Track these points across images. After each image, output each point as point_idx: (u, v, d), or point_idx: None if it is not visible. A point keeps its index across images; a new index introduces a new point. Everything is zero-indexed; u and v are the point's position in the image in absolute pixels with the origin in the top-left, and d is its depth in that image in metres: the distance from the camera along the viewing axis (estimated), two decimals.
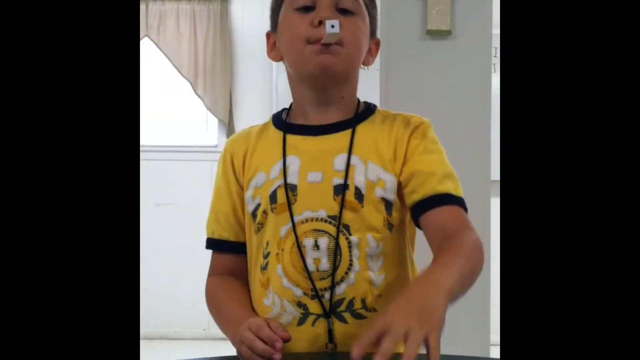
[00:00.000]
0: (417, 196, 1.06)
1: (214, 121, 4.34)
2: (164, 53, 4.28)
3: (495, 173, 2.00)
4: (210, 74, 4.26)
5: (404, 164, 1.08)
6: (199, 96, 4.28)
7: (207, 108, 4.29)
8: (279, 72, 4.03)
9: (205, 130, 4.39)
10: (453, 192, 1.06)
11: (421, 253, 1.13)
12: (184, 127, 4.39)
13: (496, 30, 1.61)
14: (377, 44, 1.18)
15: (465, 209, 1.07)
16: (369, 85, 1.49)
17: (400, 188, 1.08)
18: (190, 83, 4.28)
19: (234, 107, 4.31)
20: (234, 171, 1.15)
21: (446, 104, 1.98)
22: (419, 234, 1.11)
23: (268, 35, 1.18)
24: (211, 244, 1.17)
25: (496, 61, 2.81)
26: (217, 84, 4.26)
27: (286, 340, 0.98)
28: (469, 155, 1.97)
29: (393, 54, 1.98)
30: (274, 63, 4.08)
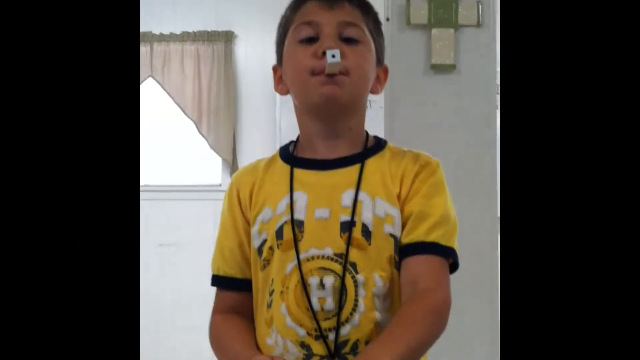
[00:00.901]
0: (405, 240, 1.04)
1: (217, 161, 4.33)
2: (168, 93, 4.29)
3: None
4: (214, 113, 4.26)
5: (405, 202, 1.06)
6: (203, 136, 4.27)
7: (211, 147, 4.28)
8: (283, 112, 4.03)
9: (209, 169, 4.38)
10: (442, 241, 1.04)
11: None
12: (188, 166, 4.38)
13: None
14: (386, 71, 1.16)
15: (453, 259, 1.05)
16: (373, 122, 1.47)
17: None
18: (195, 123, 4.27)
19: (238, 147, 4.30)
20: (240, 206, 1.12)
21: (451, 139, 1.97)
22: None
23: (274, 69, 1.16)
24: (216, 281, 1.14)
25: None
26: (221, 124, 4.26)
27: None
28: (475, 192, 1.95)
29: (397, 88, 1.97)
30: (278, 102, 4.18)
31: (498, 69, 1.99)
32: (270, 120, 4.21)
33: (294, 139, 1.16)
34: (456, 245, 1.06)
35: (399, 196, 1.06)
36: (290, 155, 1.13)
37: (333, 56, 1.01)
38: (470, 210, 1.82)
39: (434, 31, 1.96)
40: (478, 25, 1.98)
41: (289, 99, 1.15)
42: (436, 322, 0.99)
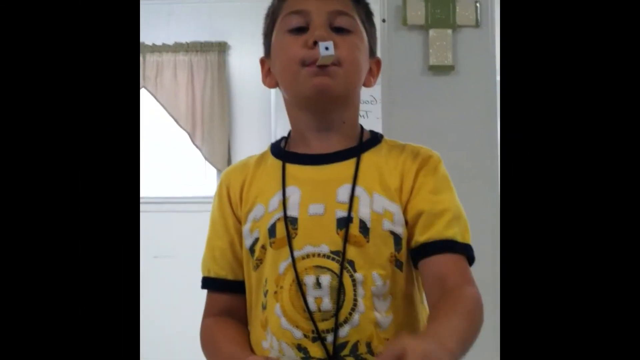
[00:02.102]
0: (421, 238, 0.98)
1: (212, 171, 4.29)
2: (161, 104, 4.26)
3: None
4: (208, 124, 4.23)
5: (409, 200, 1.00)
6: (197, 146, 4.24)
7: (205, 158, 4.24)
8: (278, 122, 4.01)
9: (203, 180, 4.33)
10: (459, 238, 0.99)
11: None
12: (182, 178, 4.34)
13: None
14: (378, 63, 1.12)
15: (471, 257, 1.00)
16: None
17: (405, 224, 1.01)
18: (188, 133, 4.24)
19: (233, 157, 4.26)
20: (231, 204, 1.07)
21: (450, 141, 1.93)
22: None
23: (262, 61, 1.12)
24: (207, 283, 1.09)
25: None
26: (215, 134, 4.23)
27: None
28: (477, 194, 1.91)
29: (395, 90, 1.94)
30: (272, 112, 4.15)
31: (497, 69, 1.98)
32: (265, 131, 4.18)
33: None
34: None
35: (399, 192, 1.01)
36: (281, 150, 1.09)
37: (327, 49, 0.97)
38: (470, 213, 1.78)
39: (432, 32, 1.93)
40: (476, 25, 1.95)
41: (283, 109, 1.11)
42: (479, 316, 0.93)
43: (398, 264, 1.00)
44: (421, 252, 0.98)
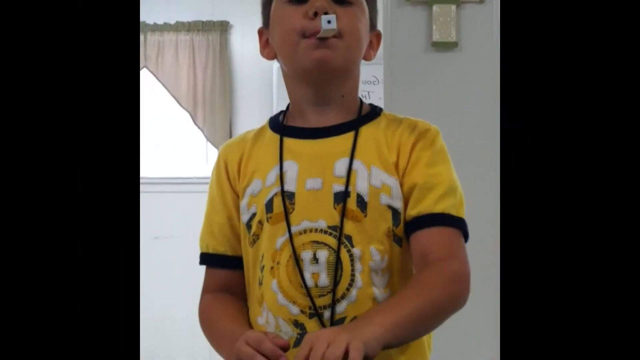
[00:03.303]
0: (412, 212, 0.97)
1: (213, 152, 4.27)
2: (163, 84, 4.24)
3: None
4: (210, 104, 4.21)
5: (405, 173, 0.99)
6: (198, 127, 4.22)
7: (207, 139, 4.23)
8: (280, 102, 3.98)
9: (205, 161, 4.32)
10: (452, 212, 0.97)
11: None
12: (183, 158, 4.32)
13: None
14: (379, 36, 1.09)
15: (464, 231, 0.98)
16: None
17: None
18: (190, 114, 4.22)
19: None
20: (229, 178, 1.06)
21: (453, 119, 1.91)
22: None
23: (260, 32, 1.09)
24: (205, 259, 1.07)
25: None
26: (216, 115, 4.21)
27: (286, 349, 0.87)
28: (478, 173, 1.89)
29: (397, 66, 1.91)
30: (275, 93, 4.12)
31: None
32: (267, 111, 4.15)
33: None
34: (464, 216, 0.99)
35: (396, 166, 0.99)
36: (279, 124, 1.06)
37: (329, 22, 0.94)
38: (473, 194, 1.76)
39: (435, 7, 1.89)
40: (480, 1, 1.92)
41: (285, 90, 1.08)
42: (447, 291, 0.92)
43: (396, 239, 0.98)
44: (411, 227, 0.97)
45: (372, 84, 3.67)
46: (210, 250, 1.07)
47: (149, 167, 4.10)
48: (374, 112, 1.06)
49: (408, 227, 0.98)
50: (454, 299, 0.92)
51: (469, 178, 1.88)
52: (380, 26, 1.14)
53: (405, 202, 0.98)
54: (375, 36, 1.09)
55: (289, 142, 1.03)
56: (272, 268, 0.98)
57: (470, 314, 1.87)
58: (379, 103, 1.98)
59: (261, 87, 4.21)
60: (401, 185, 0.99)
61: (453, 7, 1.90)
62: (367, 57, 1.07)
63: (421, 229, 0.96)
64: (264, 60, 1.11)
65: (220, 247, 1.06)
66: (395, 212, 0.98)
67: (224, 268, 1.06)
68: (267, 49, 1.08)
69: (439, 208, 0.96)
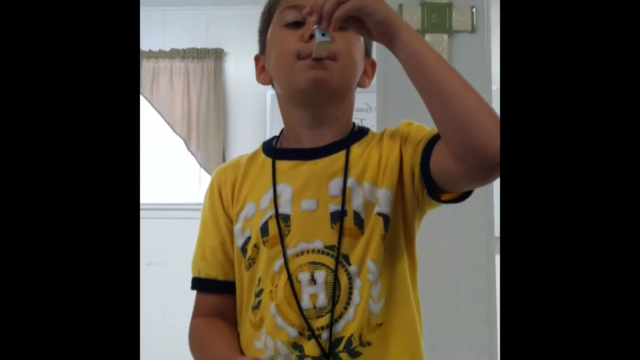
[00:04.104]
0: (420, 147, 0.96)
1: (206, 178, 4.27)
2: (157, 110, 4.25)
3: (499, 228, 1.96)
4: (204, 130, 4.22)
5: (402, 154, 0.99)
6: (192, 153, 4.23)
7: (200, 165, 4.23)
8: (273, 129, 3.99)
9: (198, 187, 4.31)
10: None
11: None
12: (176, 184, 4.32)
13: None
14: (373, 65, 1.11)
15: None
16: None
17: (414, 181, 0.98)
18: (184, 140, 4.23)
19: None
20: (222, 203, 1.06)
21: None
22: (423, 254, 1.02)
23: (257, 58, 1.11)
24: (197, 283, 1.07)
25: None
26: (210, 141, 4.21)
27: None
28: (472, 208, 1.88)
29: (391, 94, 1.92)
30: (268, 120, 4.13)
31: (492, 74, 1.96)
32: (261, 137, 4.12)
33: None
34: None
35: (385, 171, 1.00)
36: (272, 147, 1.08)
37: (323, 35, 0.95)
38: (468, 231, 1.76)
39: (427, 37, 1.92)
40: (472, 30, 1.94)
41: (279, 117, 1.09)
42: (479, 99, 0.90)
43: (385, 244, 0.98)
44: (426, 157, 0.95)
45: (364, 111, 3.69)
46: (202, 275, 1.07)
47: (142, 193, 4.10)
48: (363, 132, 1.07)
49: (424, 162, 0.96)
50: (485, 108, 0.89)
51: (463, 218, 1.87)
52: (374, 54, 1.15)
53: (411, 166, 0.98)
54: (370, 64, 1.10)
55: (281, 164, 1.04)
56: (270, 292, 0.98)
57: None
58: (372, 130, 2.00)
59: (255, 114, 4.23)
60: (402, 166, 0.99)
61: (445, 36, 1.92)
62: (362, 84, 1.08)
63: (432, 147, 0.95)
64: (258, 87, 1.12)
65: (212, 272, 1.06)
66: (385, 218, 0.98)
67: (215, 293, 1.06)
68: (263, 74, 1.09)
69: (434, 131, 0.96)
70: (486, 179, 0.93)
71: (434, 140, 0.95)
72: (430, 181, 0.95)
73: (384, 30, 0.93)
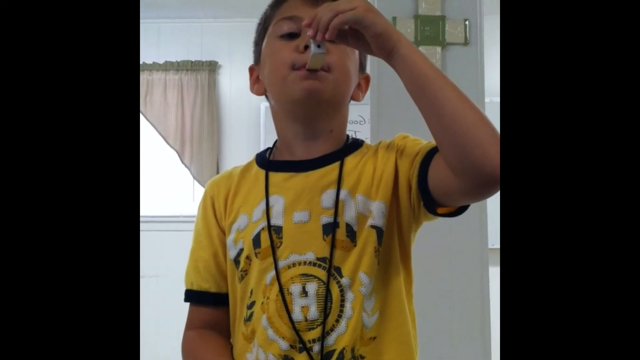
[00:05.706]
0: (417, 160, 0.96)
1: (200, 190, 4.26)
2: (151, 123, 4.25)
3: (492, 239, 1.96)
4: (197, 143, 4.22)
5: (398, 166, 0.99)
6: (185, 165, 4.22)
7: (194, 177, 4.23)
8: (267, 141, 3.99)
9: (191, 199, 4.31)
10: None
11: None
12: (170, 197, 4.31)
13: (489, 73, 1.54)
14: (367, 79, 1.11)
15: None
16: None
17: (410, 195, 0.98)
18: (177, 152, 4.23)
19: None
20: (215, 215, 1.06)
21: None
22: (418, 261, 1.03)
23: (251, 69, 1.11)
24: (190, 296, 1.07)
25: None
26: (204, 153, 4.21)
27: None
28: (465, 221, 1.88)
29: (384, 107, 1.93)
30: (262, 132, 4.13)
31: (486, 87, 1.97)
32: (254, 150, 4.10)
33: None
34: None
35: (379, 183, 0.99)
36: (265, 159, 1.07)
37: (318, 46, 0.95)
38: (462, 244, 1.77)
39: (421, 49, 1.92)
40: (465, 43, 1.95)
41: (273, 130, 1.09)
42: (481, 115, 0.89)
43: (379, 257, 0.98)
44: (423, 172, 0.95)
45: (358, 123, 3.70)
46: (195, 287, 1.06)
47: None
48: (357, 144, 1.07)
49: (421, 176, 0.95)
50: (484, 123, 0.88)
51: (457, 231, 1.87)
52: (368, 66, 1.15)
53: (408, 178, 0.98)
54: (364, 79, 1.10)
55: (274, 176, 1.03)
56: (262, 304, 0.98)
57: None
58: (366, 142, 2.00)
59: (249, 127, 4.23)
60: (397, 177, 0.98)
61: (438, 48, 1.93)
62: (356, 98, 1.08)
63: (432, 159, 0.94)
64: (252, 99, 1.13)
65: (205, 284, 1.05)
66: (379, 231, 0.98)
67: (208, 305, 1.05)
68: (257, 84, 1.09)
69: (434, 144, 0.95)
70: (485, 195, 0.93)
71: (431, 153, 0.95)
72: (428, 195, 0.95)
73: (382, 44, 0.92)
